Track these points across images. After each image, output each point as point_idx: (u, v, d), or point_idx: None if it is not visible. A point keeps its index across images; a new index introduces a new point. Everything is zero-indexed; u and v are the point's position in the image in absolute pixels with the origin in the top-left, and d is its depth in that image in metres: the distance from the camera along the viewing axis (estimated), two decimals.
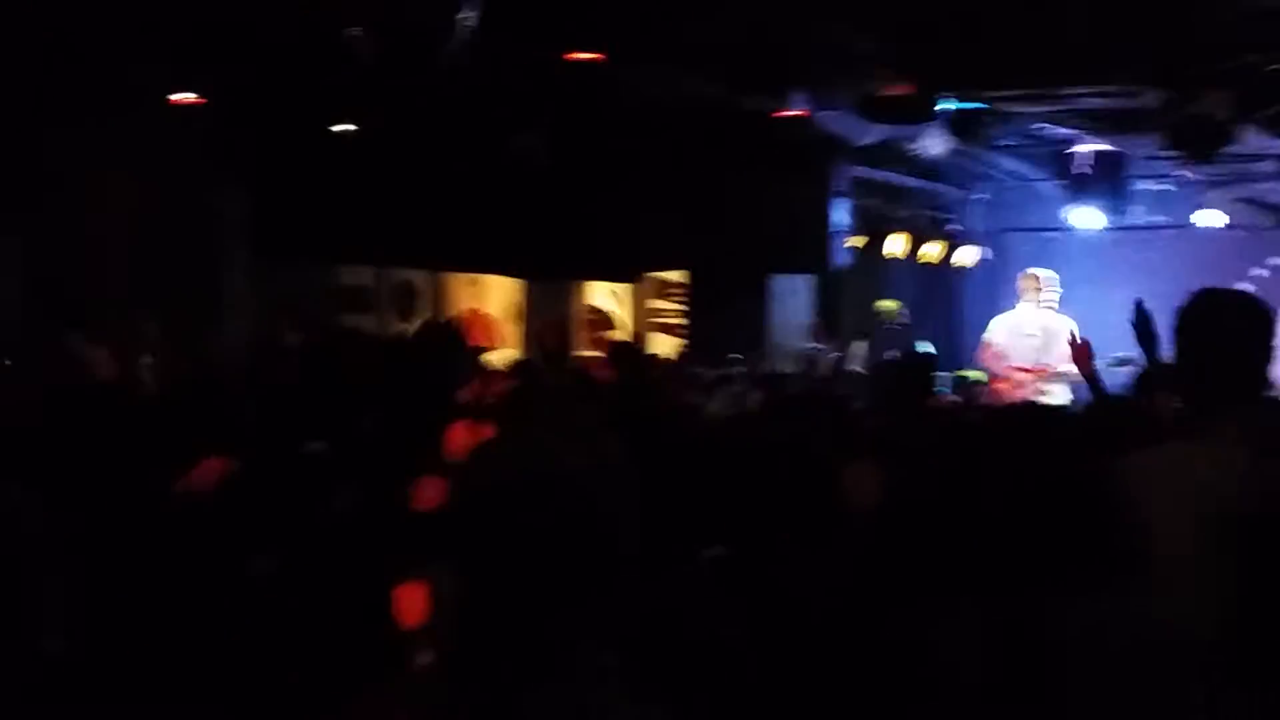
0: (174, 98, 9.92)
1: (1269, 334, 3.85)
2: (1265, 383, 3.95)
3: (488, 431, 5.92)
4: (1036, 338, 12.67)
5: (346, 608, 4.50)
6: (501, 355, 10.53)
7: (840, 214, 12.46)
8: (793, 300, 13.09)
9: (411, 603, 3.99)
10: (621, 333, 14.14)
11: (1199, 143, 9.28)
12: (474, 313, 13.83)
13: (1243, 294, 3.95)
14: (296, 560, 4.79)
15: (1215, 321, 3.79)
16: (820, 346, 12.70)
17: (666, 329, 14.57)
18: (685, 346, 13.16)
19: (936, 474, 4.89)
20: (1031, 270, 12.93)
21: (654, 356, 11.84)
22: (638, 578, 3.26)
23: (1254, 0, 7.95)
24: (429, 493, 4.79)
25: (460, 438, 5.80)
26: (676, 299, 14.45)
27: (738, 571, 4.05)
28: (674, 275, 14.53)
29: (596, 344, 12.60)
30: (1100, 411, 5.69)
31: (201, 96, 9.92)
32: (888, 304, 13.48)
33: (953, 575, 3.80)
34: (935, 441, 6.16)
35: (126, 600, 4.06)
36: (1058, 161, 13.45)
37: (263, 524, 4.80)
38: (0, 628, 2.57)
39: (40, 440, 5.06)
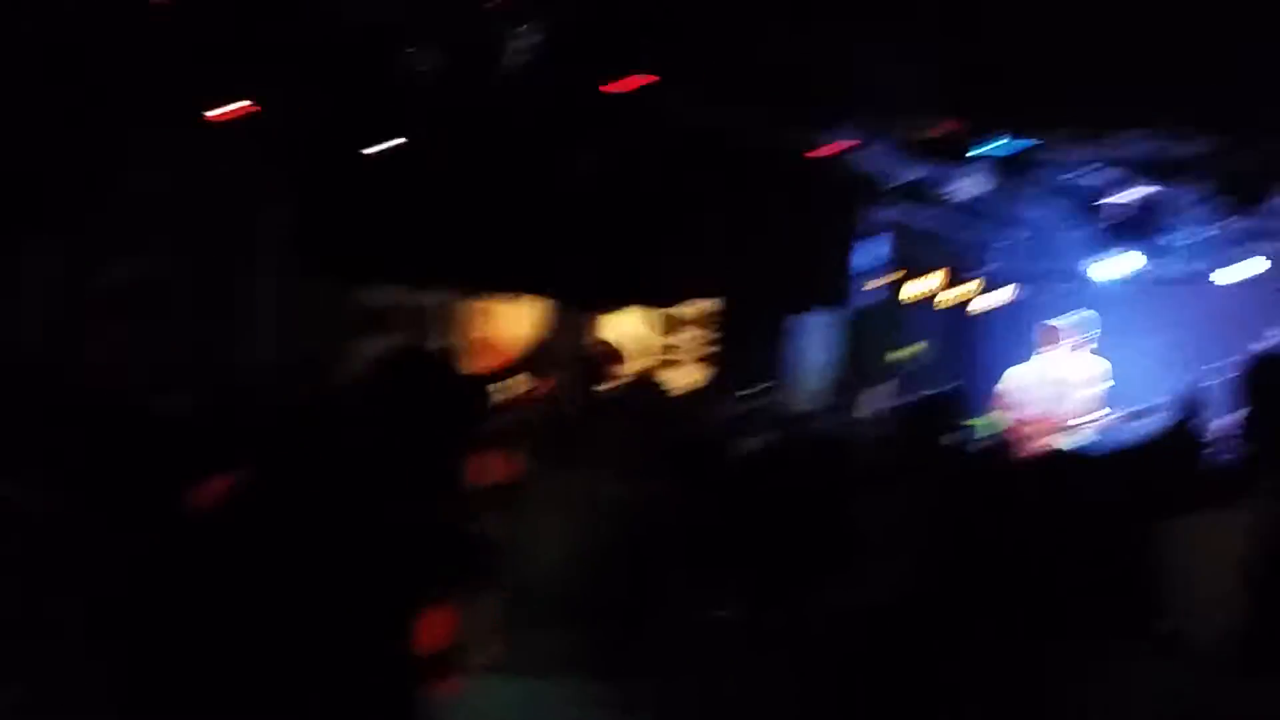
0: (215, 112, 9.93)
1: None
2: None
3: (511, 460, 5.88)
4: (1051, 390, 12.64)
5: (371, 629, 4.45)
6: (516, 381, 10.51)
7: (869, 253, 12.43)
8: (817, 337, 13.07)
9: (437, 626, 3.95)
10: (642, 363, 14.11)
11: (1244, 193, 9.22)
12: (490, 337, 13.84)
13: None
14: (316, 577, 4.74)
15: None
16: (841, 387, 12.68)
17: (692, 360, 14.52)
18: (710, 379, 13.12)
19: (961, 516, 4.85)
20: (1049, 322, 12.91)
21: (677, 388, 11.81)
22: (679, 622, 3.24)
23: None
24: (458, 518, 4.75)
25: (484, 465, 5.76)
26: (703, 330, 14.41)
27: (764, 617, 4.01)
28: (700, 307, 14.48)
29: (610, 375, 12.55)
30: (1143, 465, 5.63)
31: (245, 109, 9.93)
32: (910, 348, 13.44)
33: (981, 620, 3.76)
34: (961, 483, 6.12)
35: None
36: (1092, 208, 13.41)
37: (277, 541, 4.75)
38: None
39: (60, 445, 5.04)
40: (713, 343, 13.88)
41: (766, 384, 11.87)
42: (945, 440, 7.56)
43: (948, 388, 11.31)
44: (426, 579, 4.14)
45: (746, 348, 12.76)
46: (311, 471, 5.21)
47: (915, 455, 7.56)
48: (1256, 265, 13.50)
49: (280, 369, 9.53)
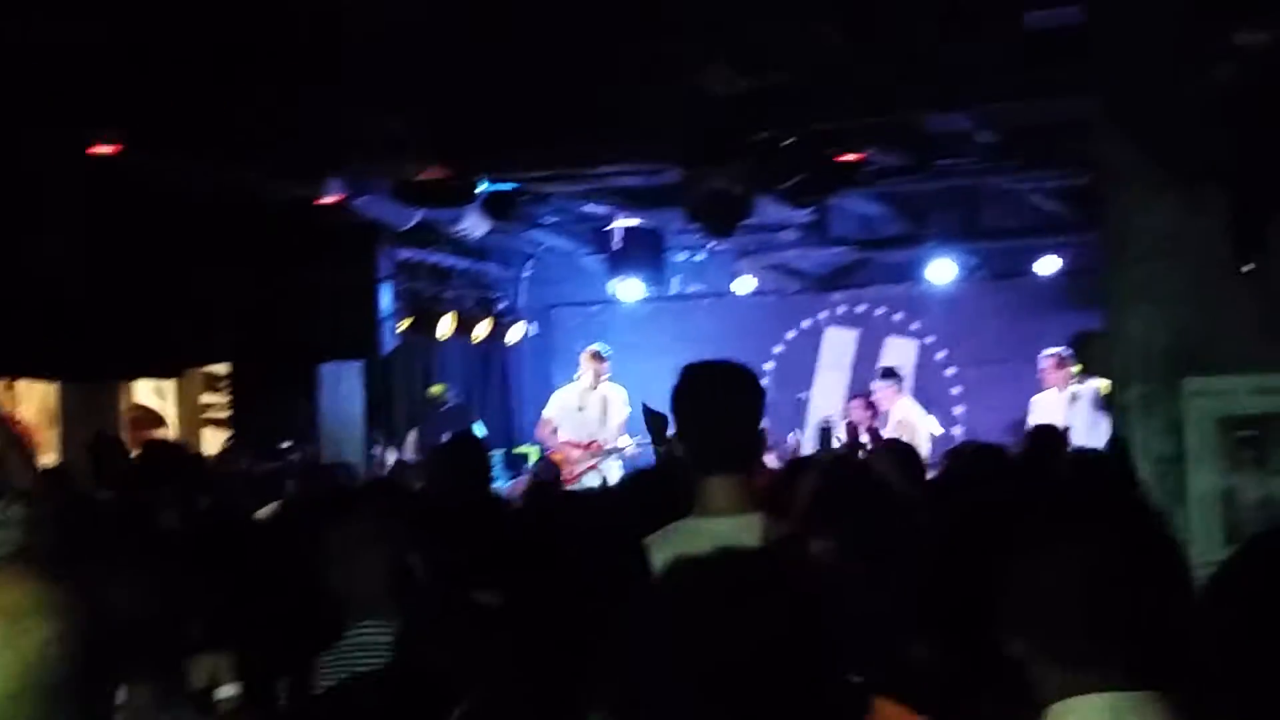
0: None
1: (756, 401, 3.97)
2: (759, 446, 4.10)
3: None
4: (593, 413, 12.98)
5: None
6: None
7: (387, 298, 12.39)
8: (341, 388, 12.92)
9: None
10: (166, 431, 13.64)
11: (718, 217, 9.67)
12: (8, 419, 13.09)
13: (729, 365, 4.05)
14: None
15: (705, 394, 3.90)
16: (378, 443, 12.62)
17: (217, 423, 14.13)
18: (230, 441, 12.78)
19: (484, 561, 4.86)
20: (593, 346, 13.28)
21: (198, 454, 11.46)
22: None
23: (756, 81, 8.37)
24: None
25: None
26: (224, 392, 14.04)
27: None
28: (223, 368, 14.12)
29: (142, 444, 12.08)
30: (635, 488, 5.77)
31: None
32: (435, 387, 13.51)
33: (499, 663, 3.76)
34: (482, 527, 6.16)
35: None
36: (598, 237, 13.81)
37: None
38: None
39: None
40: (236, 404, 13.54)
41: (292, 442, 11.65)
42: (472, 484, 7.62)
43: (470, 428, 11.44)
44: None
45: (270, 405, 12.49)
46: None
47: (446, 502, 7.58)
48: (750, 282, 14.25)
49: None
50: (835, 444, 6.65)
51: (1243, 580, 2.42)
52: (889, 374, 12.90)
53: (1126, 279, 6.14)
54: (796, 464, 7.04)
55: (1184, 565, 2.47)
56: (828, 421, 6.03)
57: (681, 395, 3.90)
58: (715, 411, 3.87)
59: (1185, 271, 5.90)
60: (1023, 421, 12.34)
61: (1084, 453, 8.05)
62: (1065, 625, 2.32)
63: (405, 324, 12.93)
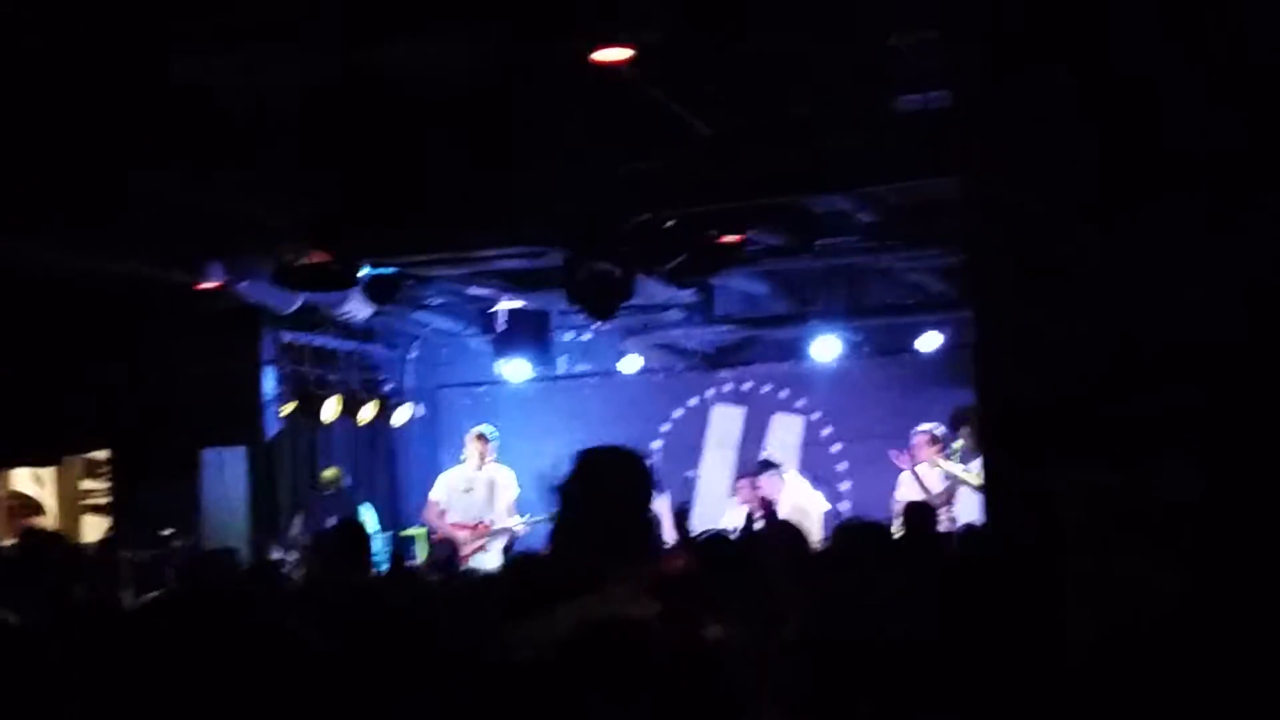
0: None
1: (647, 486, 3.96)
2: (651, 532, 4.09)
3: None
4: (479, 494, 12.92)
5: None
6: None
7: (270, 381, 12.27)
8: (225, 473, 12.74)
9: None
10: (45, 518, 13.39)
11: (599, 300, 9.70)
12: None
13: (621, 451, 4.05)
14: None
15: (597, 480, 3.89)
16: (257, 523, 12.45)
17: (98, 510, 13.90)
18: (111, 528, 12.57)
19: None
20: (477, 428, 13.22)
21: (75, 543, 11.26)
22: None
23: (636, 165, 8.44)
24: None
25: None
26: (105, 478, 13.82)
27: None
28: (103, 454, 13.90)
29: (19, 531, 11.84)
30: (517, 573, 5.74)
31: None
32: (329, 471, 13.39)
33: None
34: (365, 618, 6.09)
35: None
36: (484, 318, 13.79)
37: None
38: None
39: None
40: (117, 490, 13.32)
41: (174, 528, 11.48)
42: (358, 564, 7.55)
43: (355, 513, 11.35)
44: None
45: (151, 491, 12.30)
46: None
47: (326, 592, 7.49)
48: (637, 361, 14.29)
49: None
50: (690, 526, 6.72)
51: None
52: (767, 465, 12.88)
53: None
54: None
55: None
56: (684, 505, 5.94)
57: (578, 480, 3.88)
58: (614, 495, 3.86)
59: None
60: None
61: (971, 530, 8.13)
62: None
63: (289, 407, 12.80)
